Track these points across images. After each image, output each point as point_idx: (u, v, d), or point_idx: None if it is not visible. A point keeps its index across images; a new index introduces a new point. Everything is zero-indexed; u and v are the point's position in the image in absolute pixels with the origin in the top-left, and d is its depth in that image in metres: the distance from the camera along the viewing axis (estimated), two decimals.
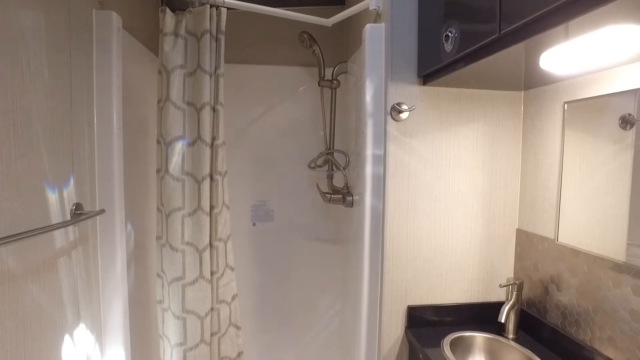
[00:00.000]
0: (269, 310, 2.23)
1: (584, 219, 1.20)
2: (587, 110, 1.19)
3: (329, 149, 2.01)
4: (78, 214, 1.24)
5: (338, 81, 2.04)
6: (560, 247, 1.30)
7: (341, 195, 1.84)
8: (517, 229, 1.52)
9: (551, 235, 1.35)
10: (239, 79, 2.12)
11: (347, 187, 1.89)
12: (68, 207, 1.22)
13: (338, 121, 2.06)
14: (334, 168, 2.02)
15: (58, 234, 1.16)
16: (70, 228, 1.23)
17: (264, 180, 2.16)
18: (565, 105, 1.27)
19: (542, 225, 1.39)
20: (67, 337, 1.24)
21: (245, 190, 2.15)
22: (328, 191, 1.97)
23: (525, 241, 1.47)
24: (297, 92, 2.17)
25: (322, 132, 2.12)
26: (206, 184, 1.45)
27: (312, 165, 2.09)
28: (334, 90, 2.05)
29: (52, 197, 1.14)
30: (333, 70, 1.99)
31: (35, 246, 1.05)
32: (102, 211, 1.32)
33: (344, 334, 2.10)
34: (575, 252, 1.24)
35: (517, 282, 1.39)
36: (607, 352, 1.13)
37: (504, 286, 1.39)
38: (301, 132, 2.18)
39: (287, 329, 2.26)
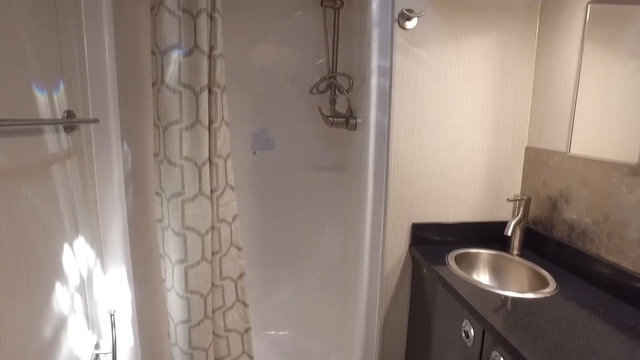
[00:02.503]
0: (270, 240, 2.23)
1: (599, 128, 1.15)
2: (610, 18, 1.11)
3: (332, 72, 1.93)
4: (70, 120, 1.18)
5: (342, 0, 1.92)
6: (572, 159, 1.26)
7: (344, 119, 1.78)
8: (526, 147, 1.47)
9: (562, 149, 1.30)
10: (236, 2, 2.00)
11: (350, 111, 1.83)
12: (59, 113, 1.16)
13: (341, 44, 1.96)
14: (336, 92, 1.94)
15: (50, 138, 1.11)
16: (62, 136, 1.18)
17: (264, 107, 2.09)
18: (589, 6, 1.19)
19: (553, 139, 1.34)
20: (67, 248, 1.22)
21: (245, 119, 2.08)
22: (330, 115, 1.91)
23: (534, 158, 1.43)
24: (296, 15, 2.06)
25: (324, 58, 2.03)
26: (204, 96, 1.38)
27: (314, 90, 2.01)
28: (337, 11, 1.93)
29: (41, 98, 1.07)
30: None
31: (26, 145, 1.00)
32: (95, 120, 1.26)
33: (346, 261, 2.11)
34: (588, 162, 1.20)
35: (524, 197, 1.36)
36: (614, 259, 1.11)
37: (511, 200, 1.37)
38: (302, 58, 2.08)
39: (288, 259, 2.27)
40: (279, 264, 2.27)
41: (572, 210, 1.27)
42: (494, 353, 0.94)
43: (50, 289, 1.12)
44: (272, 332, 2.33)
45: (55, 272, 1.15)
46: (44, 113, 1.08)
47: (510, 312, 0.99)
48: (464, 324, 1.08)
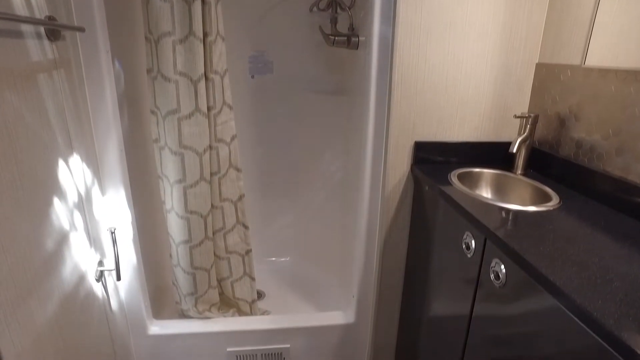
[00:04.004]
0: (269, 166, 2.21)
1: (620, 35, 1.07)
2: None
3: None
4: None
5: None
6: (586, 72, 1.20)
7: (346, 37, 1.69)
8: (537, 63, 1.40)
9: (577, 61, 1.23)
10: None
11: (352, 29, 1.73)
12: (39, 16, 1.08)
13: None
14: (337, 10, 1.83)
15: (32, 44, 1.04)
16: (46, 44, 1.11)
17: (261, 28, 1.97)
18: None
19: (568, 52, 1.27)
20: (62, 163, 1.19)
21: (241, 40, 1.98)
22: (331, 33, 1.81)
23: (545, 75, 1.36)
24: None
25: None
26: (197, 5, 1.29)
27: (314, 9, 1.89)
28: None
29: (17, 0, 0.99)
30: None
31: (4, 46, 0.93)
32: (81, 29, 1.18)
33: (347, 186, 2.10)
34: (603, 73, 1.13)
35: (532, 115, 1.31)
36: (620, 173, 1.08)
37: (518, 117, 1.32)
38: None
39: (288, 185, 2.26)
40: (279, 190, 2.26)
41: (581, 127, 1.23)
42: (494, 261, 0.94)
43: (48, 202, 1.10)
44: (273, 259, 2.38)
45: (52, 186, 1.13)
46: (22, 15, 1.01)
47: (513, 223, 0.98)
48: (465, 236, 1.08)
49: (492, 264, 0.95)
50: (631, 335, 0.58)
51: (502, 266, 0.91)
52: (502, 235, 0.90)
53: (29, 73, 1.03)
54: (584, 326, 0.67)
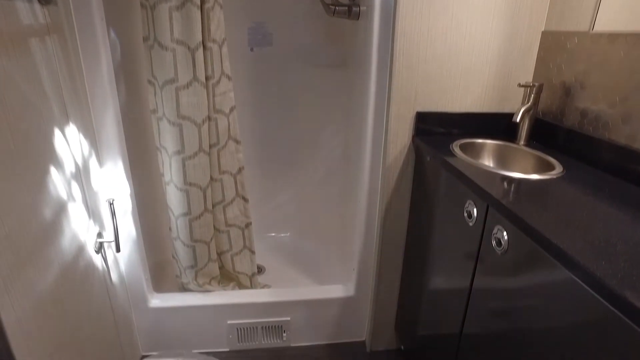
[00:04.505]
0: (269, 141, 2.19)
1: None
2: None
3: None
4: None
5: None
6: (594, 38, 1.17)
7: (346, 7, 1.65)
8: (542, 31, 1.36)
9: (584, 27, 1.20)
10: None
11: None
12: None
13: None
14: None
15: (21, 6, 1.01)
16: (37, 7, 1.08)
17: None
18: None
19: (576, 17, 1.23)
20: (57, 133, 1.17)
21: (240, 11, 1.93)
22: (332, 3, 1.76)
23: (551, 43, 1.33)
24: None
25: None
26: None
27: None
28: None
29: None
30: None
31: None
32: None
33: (347, 160, 2.09)
34: (613, 38, 1.10)
35: (536, 84, 1.29)
36: (625, 141, 1.06)
37: (522, 86, 1.29)
38: None
39: (288, 160, 2.24)
40: (279, 165, 2.25)
41: (586, 95, 1.20)
42: (497, 228, 0.93)
43: (45, 172, 1.09)
44: (273, 234, 2.38)
45: (48, 156, 1.11)
46: None
47: (515, 190, 0.96)
48: (467, 204, 1.07)
49: (494, 231, 0.94)
50: (634, 294, 0.58)
51: (504, 233, 0.90)
52: (505, 202, 0.88)
53: (20, 37, 1.01)
54: (587, 287, 0.66)
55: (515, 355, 0.89)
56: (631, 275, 0.63)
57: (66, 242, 1.18)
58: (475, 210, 1.03)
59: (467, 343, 1.12)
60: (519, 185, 1.00)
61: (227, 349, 1.74)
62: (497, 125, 1.44)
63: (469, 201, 1.06)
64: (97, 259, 1.38)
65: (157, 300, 1.64)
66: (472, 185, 1.01)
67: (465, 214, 1.07)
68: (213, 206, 1.60)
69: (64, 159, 1.19)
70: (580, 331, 0.68)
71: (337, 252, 2.21)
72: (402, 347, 1.75)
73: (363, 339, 1.81)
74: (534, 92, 1.29)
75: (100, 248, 1.38)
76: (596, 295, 0.64)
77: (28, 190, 1.00)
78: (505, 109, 1.43)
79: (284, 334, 1.74)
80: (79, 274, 1.26)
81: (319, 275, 2.07)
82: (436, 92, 1.36)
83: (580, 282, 0.68)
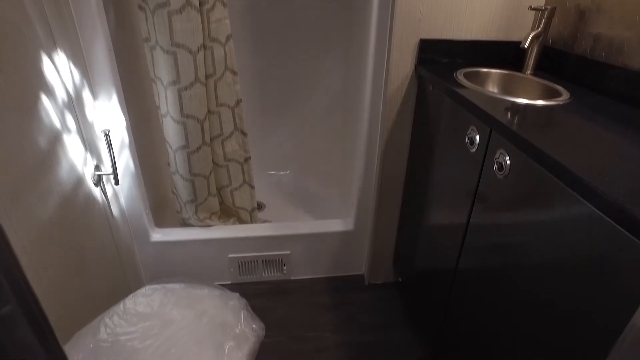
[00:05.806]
0: (267, 77, 2.13)
1: None
2: None
3: None
4: None
5: None
6: None
7: None
8: None
9: None
10: None
11: None
12: None
13: None
14: None
15: None
16: None
17: None
18: None
19: None
20: (46, 59, 1.12)
21: None
22: None
23: None
24: None
25: None
26: None
27: None
28: None
29: None
30: None
31: None
32: None
33: (347, 95, 2.04)
34: None
35: (549, 7, 1.22)
36: None
37: (533, 9, 1.23)
38: None
39: (287, 97, 2.19)
40: (278, 102, 2.20)
41: (602, 19, 1.14)
42: (499, 152, 0.91)
43: (36, 98, 1.05)
44: (273, 172, 2.37)
45: (38, 83, 1.07)
46: None
47: (520, 115, 0.94)
48: (469, 131, 1.04)
49: (497, 155, 0.92)
50: (637, 208, 0.57)
51: (507, 157, 0.88)
52: (508, 125, 0.86)
53: None
54: (589, 204, 0.65)
55: (511, 288, 0.90)
56: (634, 190, 0.61)
57: (64, 172, 1.17)
58: (477, 136, 1.00)
59: (463, 275, 1.14)
60: (524, 110, 0.97)
61: (229, 282, 1.79)
62: (504, 54, 1.38)
63: (471, 127, 1.03)
64: (97, 192, 1.38)
65: (159, 235, 1.66)
66: (475, 110, 0.98)
67: (467, 141, 1.05)
68: (211, 140, 1.57)
69: (54, 87, 1.15)
70: (583, 253, 0.68)
71: (338, 189, 2.22)
72: (400, 280, 1.79)
73: (362, 272, 1.86)
74: (545, 16, 1.22)
75: (99, 181, 1.38)
76: (600, 212, 0.63)
77: (19, 116, 0.98)
78: (513, 37, 1.37)
79: (284, 268, 1.78)
80: (80, 206, 1.26)
81: (319, 212, 2.08)
82: (441, 17, 1.29)
83: (582, 199, 0.67)
